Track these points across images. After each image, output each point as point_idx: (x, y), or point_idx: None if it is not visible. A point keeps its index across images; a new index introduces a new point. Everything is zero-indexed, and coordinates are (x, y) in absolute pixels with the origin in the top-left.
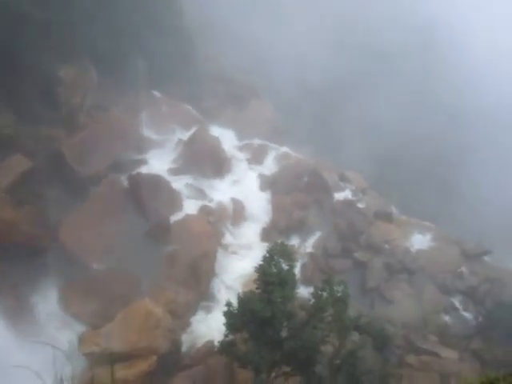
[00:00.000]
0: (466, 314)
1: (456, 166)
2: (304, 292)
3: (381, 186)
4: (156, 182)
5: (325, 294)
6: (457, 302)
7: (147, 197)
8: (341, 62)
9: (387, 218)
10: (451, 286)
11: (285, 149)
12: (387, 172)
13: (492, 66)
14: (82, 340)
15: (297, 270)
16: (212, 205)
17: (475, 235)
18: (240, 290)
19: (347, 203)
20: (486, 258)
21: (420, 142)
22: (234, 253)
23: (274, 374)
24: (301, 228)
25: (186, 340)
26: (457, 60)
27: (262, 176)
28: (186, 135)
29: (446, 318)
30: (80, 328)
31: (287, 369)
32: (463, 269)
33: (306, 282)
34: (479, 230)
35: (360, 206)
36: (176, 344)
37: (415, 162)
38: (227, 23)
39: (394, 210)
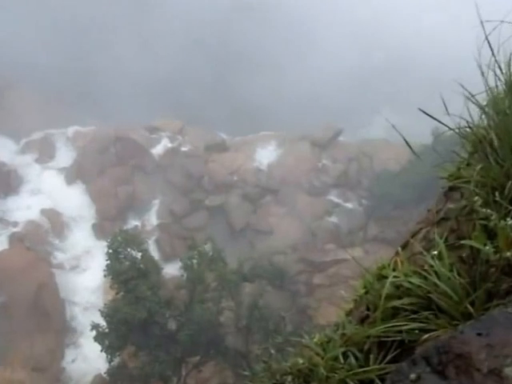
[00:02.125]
0: (349, 205)
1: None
2: (173, 269)
3: (198, 119)
4: None
5: (195, 261)
6: (334, 197)
7: None
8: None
9: (220, 147)
10: (320, 184)
11: (74, 128)
12: (191, 103)
13: None
14: None
15: (154, 251)
16: (21, 229)
17: (321, 123)
18: (101, 304)
19: (170, 154)
20: (342, 139)
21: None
22: (74, 267)
23: (184, 373)
24: (135, 204)
25: None
26: None
27: (62, 170)
28: None
29: (333, 219)
30: None
31: (195, 359)
32: (323, 161)
33: (170, 257)
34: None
35: (184, 149)
36: None
37: (204, 82)
38: None
39: (223, 136)
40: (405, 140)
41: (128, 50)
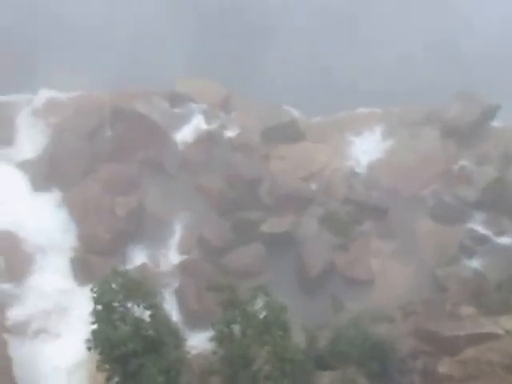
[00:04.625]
0: (506, 240)
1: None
2: (202, 340)
3: (250, 87)
4: None
5: (237, 327)
6: (479, 225)
7: None
8: None
9: (290, 133)
10: (456, 201)
11: (47, 94)
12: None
13: None
14: None
15: (172, 309)
16: None
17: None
18: None
19: (205, 142)
20: (496, 124)
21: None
22: (39, 332)
23: None
24: (143, 227)
25: None
26: None
27: (25, 165)
28: None
29: (475, 264)
30: None
31: None
32: (462, 161)
33: (198, 320)
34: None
35: (231, 134)
36: None
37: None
38: None
39: (294, 113)
40: None
41: None
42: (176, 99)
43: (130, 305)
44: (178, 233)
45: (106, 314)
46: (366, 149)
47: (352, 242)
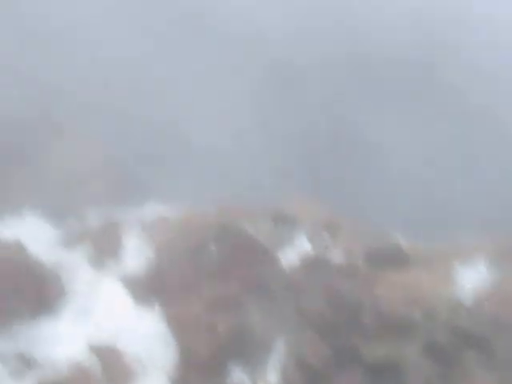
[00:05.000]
0: None
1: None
2: None
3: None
4: None
5: None
6: None
7: None
8: None
9: (395, 260)
10: None
11: (153, 209)
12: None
13: None
14: None
15: None
16: (56, 375)
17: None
18: None
19: (311, 265)
20: None
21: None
22: None
23: None
24: (243, 347)
25: None
26: None
27: (130, 280)
28: None
29: None
30: None
31: None
32: None
33: None
34: None
35: (334, 256)
36: None
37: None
38: None
39: (399, 236)
40: None
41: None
42: (280, 219)
43: None
44: (277, 354)
45: None
46: (472, 277)
47: (454, 371)
